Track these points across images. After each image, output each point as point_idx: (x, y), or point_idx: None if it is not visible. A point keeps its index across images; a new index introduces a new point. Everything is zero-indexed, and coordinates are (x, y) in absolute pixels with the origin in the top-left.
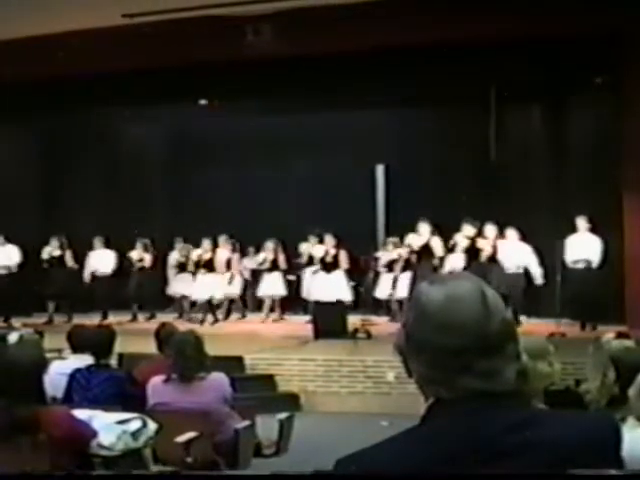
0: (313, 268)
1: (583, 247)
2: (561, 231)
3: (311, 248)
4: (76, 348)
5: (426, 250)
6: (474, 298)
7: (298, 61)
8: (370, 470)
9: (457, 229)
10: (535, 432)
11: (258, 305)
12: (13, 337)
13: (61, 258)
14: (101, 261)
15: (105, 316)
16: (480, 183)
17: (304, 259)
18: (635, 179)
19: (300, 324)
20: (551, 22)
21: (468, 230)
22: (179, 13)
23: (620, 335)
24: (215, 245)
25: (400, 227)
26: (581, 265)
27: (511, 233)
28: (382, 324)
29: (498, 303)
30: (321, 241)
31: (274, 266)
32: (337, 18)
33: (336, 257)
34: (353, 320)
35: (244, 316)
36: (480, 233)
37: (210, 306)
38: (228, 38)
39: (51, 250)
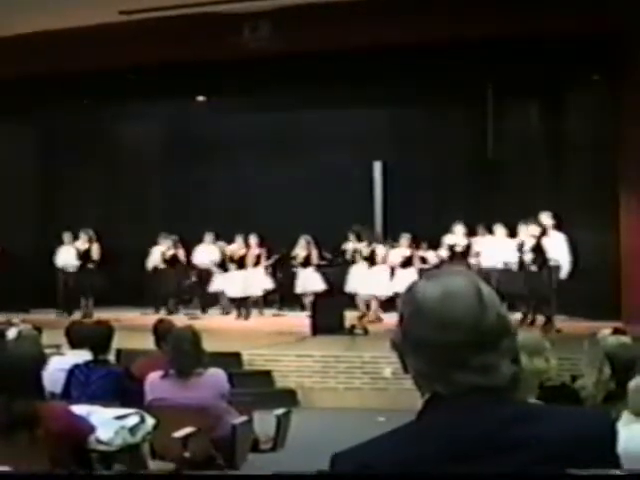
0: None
1: (549, 245)
2: (558, 228)
3: (354, 245)
4: (74, 344)
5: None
6: (470, 294)
7: (296, 58)
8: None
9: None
10: (531, 427)
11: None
12: (12, 333)
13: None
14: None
15: None
16: (477, 180)
17: (349, 256)
18: (632, 176)
19: (297, 320)
20: (549, 19)
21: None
22: (177, 10)
23: (616, 331)
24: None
25: (397, 224)
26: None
27: (499, 230)
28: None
29: (494, 299)
30: (359, 237)
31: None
32: (335, 15)
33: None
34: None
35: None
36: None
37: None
38: (226, 35)
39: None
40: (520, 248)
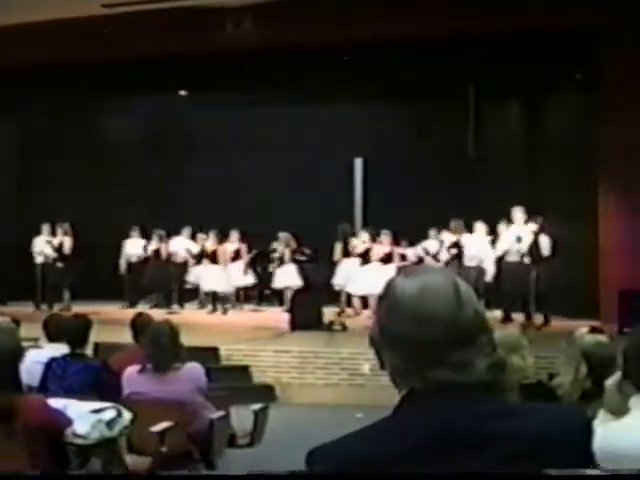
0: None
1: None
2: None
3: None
4: (52, 337)
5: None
6: (447, 291)
7: (278, 54)
8: (345, 465)
9: (435, 223)
10: (507, 424)
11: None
12: None
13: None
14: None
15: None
16: (457, 178)
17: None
18: (611, 176)
19: (276, 315)
20: (531, 18)
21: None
22: (160, 4)
23: (593, 330)
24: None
25: (377, 221)
26: (515, 258)
27: (480, 227)
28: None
29: (471, 296)
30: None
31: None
32: (317, 12)
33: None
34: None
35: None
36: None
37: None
38: (208, 30)
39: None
40: (518, 242)
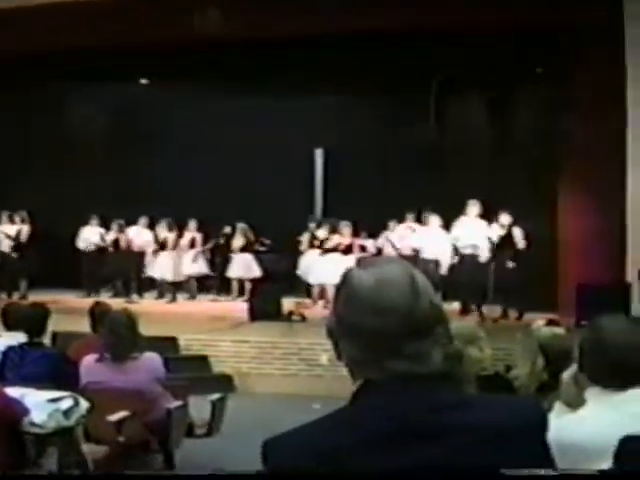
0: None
1: (472, 233)
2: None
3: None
4: (9, 326)
5: (506, 241)
6: (404, 282)
7: (242, 44)
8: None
9: (396, 215)
10: (462, 415)
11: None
12: None
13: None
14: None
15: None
16: (418, 170)
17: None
18: (571, 171)
19: (235, 305)
20: (495, 12)
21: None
22: None
23: (550, 322)
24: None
25: (337, 212)
26: (469, 251)
27: (433, 220)
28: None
29: (427, 287)
30: (319, 226)
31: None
32: (284, 3)
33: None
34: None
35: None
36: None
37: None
38: (174, 19)
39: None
40: (490, 238)
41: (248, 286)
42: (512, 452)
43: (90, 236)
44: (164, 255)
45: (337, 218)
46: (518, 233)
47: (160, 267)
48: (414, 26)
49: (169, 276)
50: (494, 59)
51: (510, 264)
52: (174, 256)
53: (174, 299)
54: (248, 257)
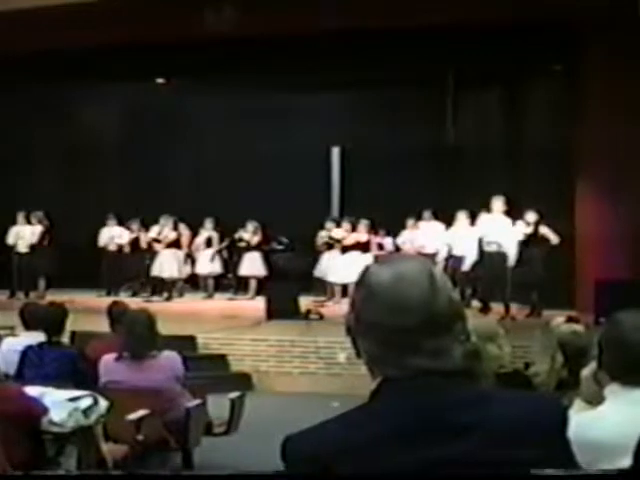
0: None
1: (496, 229)
2: (515, 217)
3: (332, 232)
4: (29, 325)
5: (532, 239)
6: (422, 278)
7: (256, 42)
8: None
9: (412, 213)
10: (482, 411)
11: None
12: None
13: None
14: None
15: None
16: (435, 167)
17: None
18: (588, 167)
19: (253, 304)
20: (510, 8)
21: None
22: None
23: (570, 319)
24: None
25: (354, 209)
26: (494, 248)
27: (461, 217)
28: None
29: (446, 283)
30: (339, 225)
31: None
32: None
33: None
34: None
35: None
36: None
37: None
38: (187, 17)
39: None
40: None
41: (253, 284)
42: (532, 449)
43: (111, 235)
44: (166, 253)
45: (354, 216)
46: (546, 230)
47: (161, 265)
48: (432, 24)
49: (164, 273)
50: (511, 57)
51: (539, 262)
52: (172, 254)
53: (170, 296)
54: (256, 255)
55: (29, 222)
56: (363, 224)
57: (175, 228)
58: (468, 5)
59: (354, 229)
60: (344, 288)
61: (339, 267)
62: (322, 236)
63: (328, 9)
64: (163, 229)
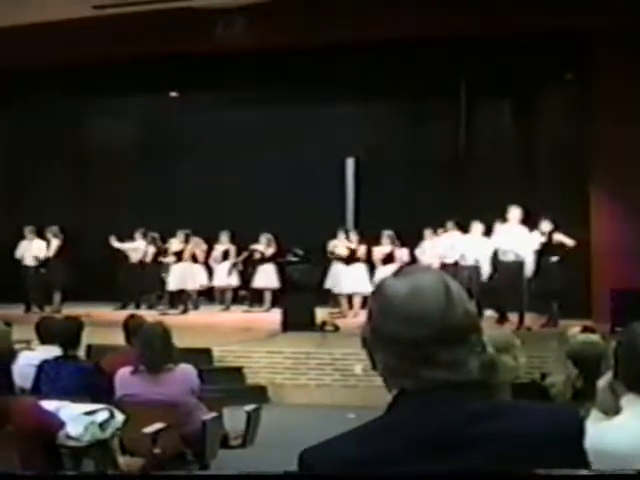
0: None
1: (513, 239)
2: (530, 226)
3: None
4: (44, 340)
5: (550, 247)
6: (438, 290)
7: (269, 55)
8: (337, 465)
9: (428, 224)
10: (499, 423)
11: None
12: None
13: None
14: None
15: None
16: (449, 177)
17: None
18: (603, 174)
19: (268, 316)
20: (523, 17)
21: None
22: (150, 5)
23: (585, 329)
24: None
25: (369, 220)
26: (511, 257)
27: (476, 227)
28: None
29: (462, 295)
30: (348, 237)
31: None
32: (307, 12)
33: (354, 251)
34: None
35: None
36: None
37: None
38: (199, 31)
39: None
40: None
41: (267, 296)
42: (549, 460)
43: (131, 250)
44: (182, 266)
45: (369, 227)
46: (561, 236)
47: (176, 278)
48: (443, 32)
49: (189, 287)
50: (524, 66)
51: (556, 268)
52: (183, 266)
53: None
54: (270, 268)
55: (42, 236)
56: (386, 236)
57: (186, 241)
58: (482, 16)
59: (375, 241)
60: (363, 299)
61: (343, 278)
62: (329, 247)
63: (343, 21)
64: (176, 243)
